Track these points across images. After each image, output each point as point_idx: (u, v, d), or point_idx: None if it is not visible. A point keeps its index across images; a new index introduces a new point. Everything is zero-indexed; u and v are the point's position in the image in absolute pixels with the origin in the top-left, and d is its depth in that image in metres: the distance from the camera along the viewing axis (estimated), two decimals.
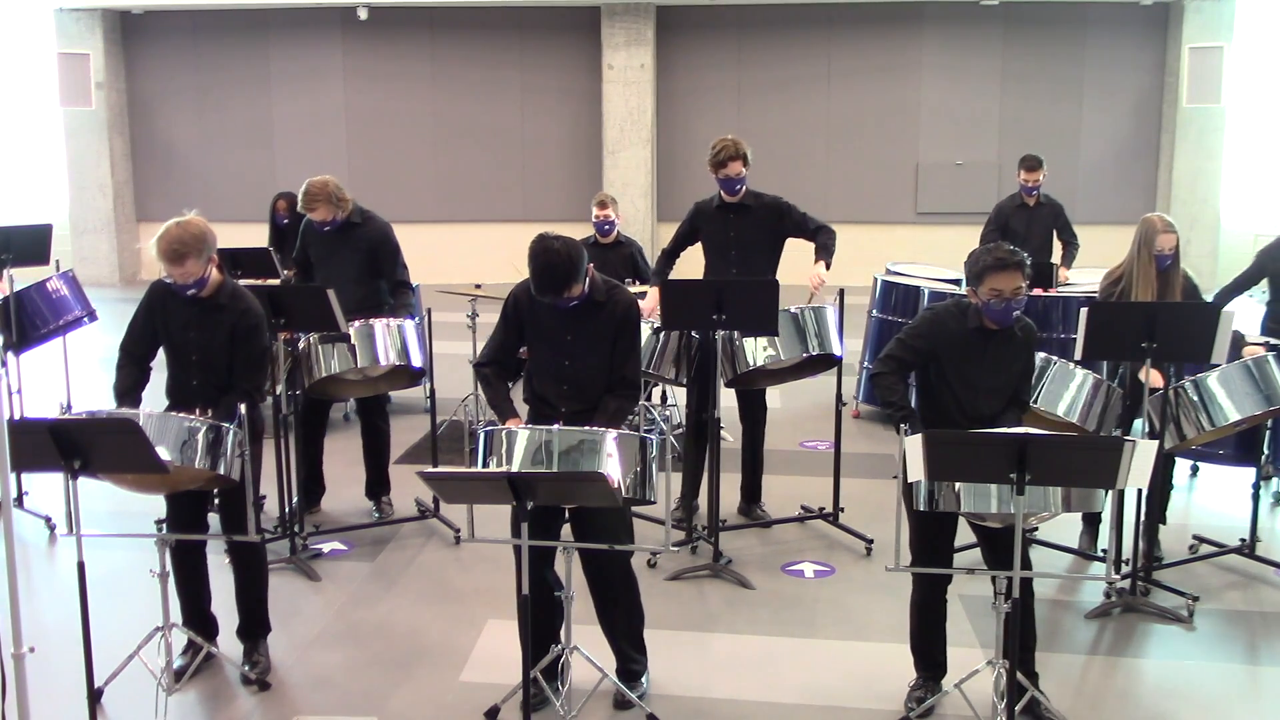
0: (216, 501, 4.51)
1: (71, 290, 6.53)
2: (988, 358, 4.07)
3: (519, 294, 4.27)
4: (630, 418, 4.28)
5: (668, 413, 7.87)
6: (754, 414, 6.12)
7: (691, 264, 6.16)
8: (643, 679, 4.31)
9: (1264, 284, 6.59)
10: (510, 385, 4.43)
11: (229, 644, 4.55)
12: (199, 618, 4.47)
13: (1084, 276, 8.05)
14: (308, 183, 5.93)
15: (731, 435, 6.79)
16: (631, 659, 4.30)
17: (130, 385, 4.41)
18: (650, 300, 5.77)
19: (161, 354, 4.47)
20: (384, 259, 6.05)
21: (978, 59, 14.31)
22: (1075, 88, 14.27)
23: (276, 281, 7.23)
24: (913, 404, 4.22)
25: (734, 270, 5.87)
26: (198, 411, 4.17)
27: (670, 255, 6.16)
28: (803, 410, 8.35)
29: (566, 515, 4.16)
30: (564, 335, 4.20)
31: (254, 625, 4.54)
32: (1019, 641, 3.78)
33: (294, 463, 5.62)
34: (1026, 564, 4.00)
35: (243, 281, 6.19)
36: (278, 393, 5.43)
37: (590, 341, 4.20)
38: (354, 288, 5.87)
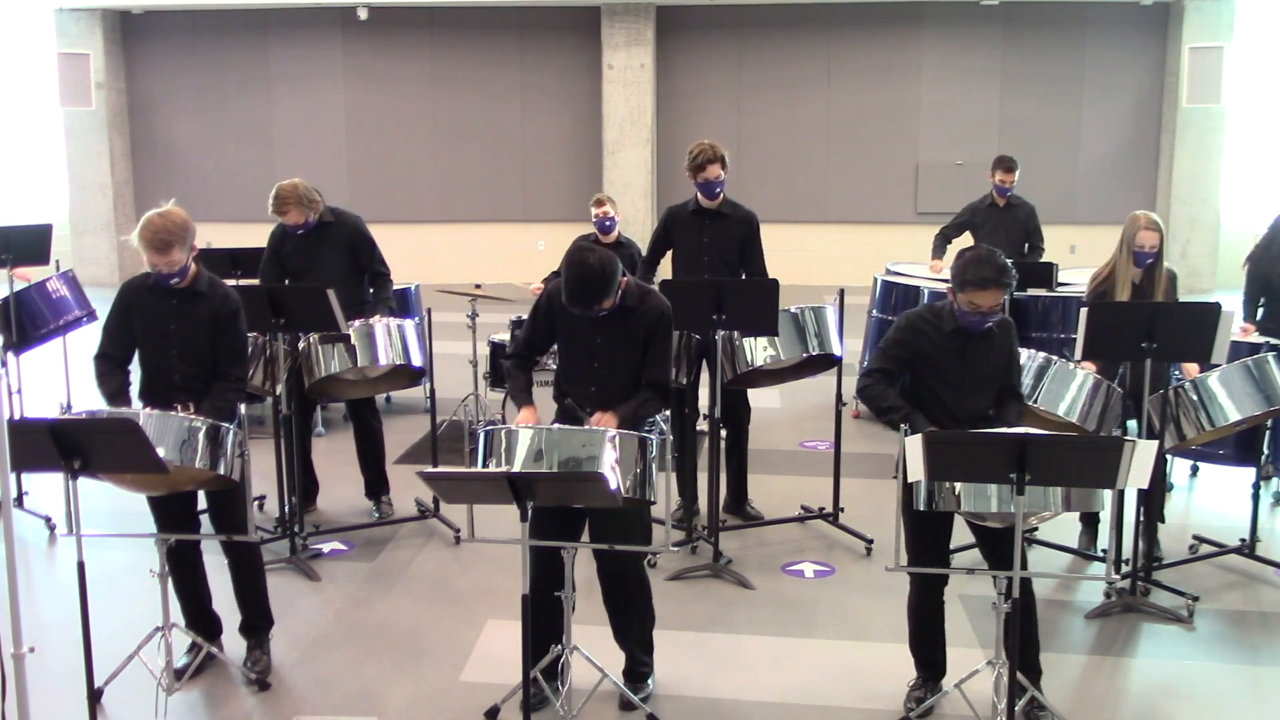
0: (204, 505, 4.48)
1: (71, 290, 6.53)
2: (967, 355, 4.10)
3: (552, 292, 4.28)
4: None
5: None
6: (739, 415, 6.09)
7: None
8: (648, 681, 4.31)
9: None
10: (532, 379, 4.44)
11: (231, 643, 4.55)
12: (200, 617, 4.47)
13: (1080, 277, 8.04)
14: (277, 187, 5.87)
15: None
16: (640, 661, 4.31)
17: (118, 388, 4.37)
18: None
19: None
20: (362, 252, 6.05)
21: (978, 59, 14.31)
22: (1075, 88, 14.27)
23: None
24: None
25: (705, 277, 5.83)
26: (179, 407, 4.15)
27: (651, 264, 6.16)
28: (803, 410, 8.35)
29: (585, 521, 4.13)
30: (594, 338, 4.19)
31: (256, 619, 4.53)
32: (1021, 641, 3.78)
33: (294, 463, 5.61)
34: (1024, 563, 4.00)
35: (241, 282, 6.21)
36: (278, 392, 5.43)
37: (620, 345, 4.19)
38: (340, 288, 5.84)
